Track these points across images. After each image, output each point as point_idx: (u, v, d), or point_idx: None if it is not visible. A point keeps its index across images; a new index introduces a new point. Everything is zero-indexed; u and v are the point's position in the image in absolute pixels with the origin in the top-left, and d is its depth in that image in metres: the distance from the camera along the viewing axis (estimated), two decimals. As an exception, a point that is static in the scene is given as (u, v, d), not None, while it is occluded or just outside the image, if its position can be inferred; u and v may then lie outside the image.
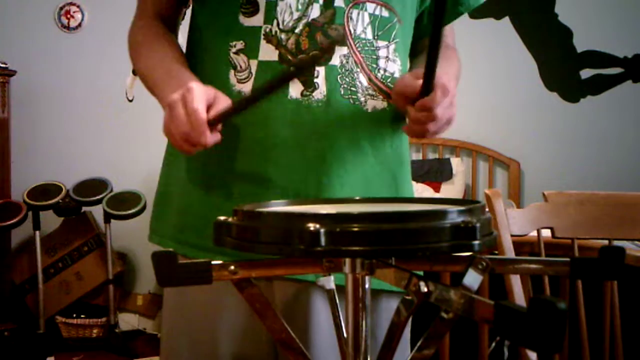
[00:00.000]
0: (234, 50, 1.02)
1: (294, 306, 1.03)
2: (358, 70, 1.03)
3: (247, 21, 1.02)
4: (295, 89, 1.00)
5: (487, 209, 0.98)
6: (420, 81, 0.93)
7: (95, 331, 3.35)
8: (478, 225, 0.61)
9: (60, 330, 3.34)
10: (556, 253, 1.46)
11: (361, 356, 0.69)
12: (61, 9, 3.78)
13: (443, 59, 1.12)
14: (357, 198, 0.90)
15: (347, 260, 0.69)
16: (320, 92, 1.01)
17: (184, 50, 1.13)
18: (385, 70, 1.06)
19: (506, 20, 3.76)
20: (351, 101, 1.02)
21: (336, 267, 0.72)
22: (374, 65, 1.04)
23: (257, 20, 1.02)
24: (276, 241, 0.63)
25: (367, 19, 1.04)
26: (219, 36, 1.04)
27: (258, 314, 0.73)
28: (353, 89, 1.03)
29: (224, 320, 1.04)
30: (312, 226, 0.60)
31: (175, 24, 1.16)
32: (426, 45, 1.18)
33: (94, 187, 3.38)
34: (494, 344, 1.96)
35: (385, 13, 1.06)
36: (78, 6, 3.79)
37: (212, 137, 0.91)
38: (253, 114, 1.00)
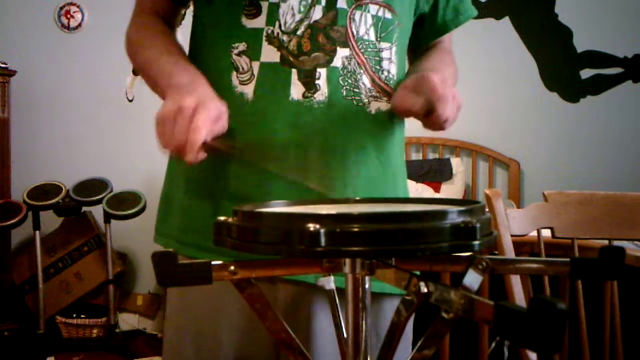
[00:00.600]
0: (236, 51, 1.02)
1: (297, 308, 1.03)
2: (361, 71, 1.03)
3: (249, 23, 1.02)
4: (296, 91, 1.00)
5: (487, 209, 0.98)
6: (420, 99, 0.94)
7: (95, 331, 3.35)
8: (478, 225, 0.61)
9: (60, 330, 3.34)
10: (556, 253, 1.46)
11: (361, 356, 0.69)
12: (61, 9, 3.78)
13: (441, 62, 1.13)
14: (357, 198, 0.90)
15: (347, 261, 0.69)
16: (321, 94, 1.01)
17: (186, 51, 1.13)
18: (388, 72, 1.06)
19: (506, 20, 3.76)
20: (354, 102, 1.03)
21: (336, 268, 0.72)
22: (377, 67, 1.05)
23: (260, 22, 1.02)
24: (276, 241, 0.63)
25: (370, 21, 1.04)
26: (221, 38, 1.04)
27: (258, 315, 0.73)
28: (356, 90, 1.03)
29: (228, 321, 1.04)
30: (312, 226, 0.60)
31: (172, 24, 1.16)
32: (427, 50, 1.19)
33: (94, 187, 3.39)
34: (494, 344, 1.96)
35: (388, 15, 1.06)
36: (78, 6, 3.79)
37: (200, 156, 0.89)
38: (254, 116, 1.00)
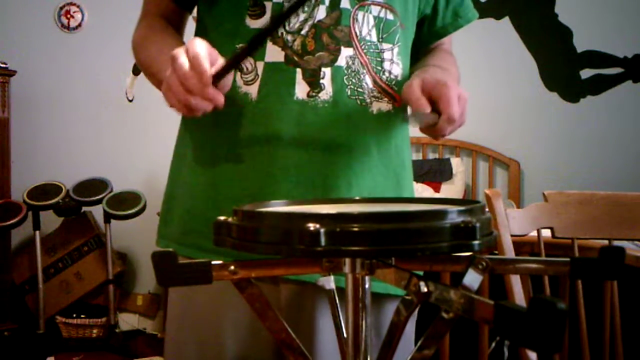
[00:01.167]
0: None
1: (301, 308, 1.03)
2: (364, 71, 1.03)
3: (253, 23, 1.02)
4: (301, 90, 1.00)
5: (487, 209, 0.98)
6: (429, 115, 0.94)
7: (95, 331, 3.35)
8: (478, 225, 0.61)
9: (60, 330, 3.34)
10: (556, 253, 1.46)
11: (361, 356, 0.69)
12: (61, 9, 3.78)
13: (444, 64, 1.13)
14: (357, 198, 0.90)
15: (347, 260, 0.69)
16: (326, 93, 1.01)
17: None
18: (390, 73, 1.06)
19: (506, 20, 3.76)
20: (358, 102, 1.03)
21: (336, 267, 0.72)
22: (379, 68, 1.05)
23: (264, 22, 1.02)
24: (276, 241, 0.63)
25: (372, 22, 1.04)
26: (225, 38, 1.04)
27: (258, 314, 0.73)
28: (360, 89, 1.03)
29: (230, 322, 1.04)
30: (312, 226, 0.60)
31: (179, 29, 1.16)
32: (427, 52, 1.19)
33: (94, 187, 3.39)
34: (494, 344, 1.96)
35: (390, 16, 1.06)
36: (78, 6, 3.79)
37: (215, 93, 0.86)
38: (259, 115, 1.00)
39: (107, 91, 3.70)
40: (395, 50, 1.07)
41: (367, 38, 1.04)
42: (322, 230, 0.59)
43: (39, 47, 3.74)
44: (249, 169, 1.02)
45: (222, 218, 0.69)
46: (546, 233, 1.39)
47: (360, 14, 1.03)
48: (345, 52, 1.02)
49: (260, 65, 1.01)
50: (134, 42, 1.13)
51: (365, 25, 1.04)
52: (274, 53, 1.01)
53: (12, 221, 3.20)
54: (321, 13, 1.02)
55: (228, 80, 0.90)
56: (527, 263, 0.75)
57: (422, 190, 3.47)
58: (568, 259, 0.70)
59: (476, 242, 0.62)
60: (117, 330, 3.38)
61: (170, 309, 1.13)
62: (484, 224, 0.64)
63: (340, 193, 1.01)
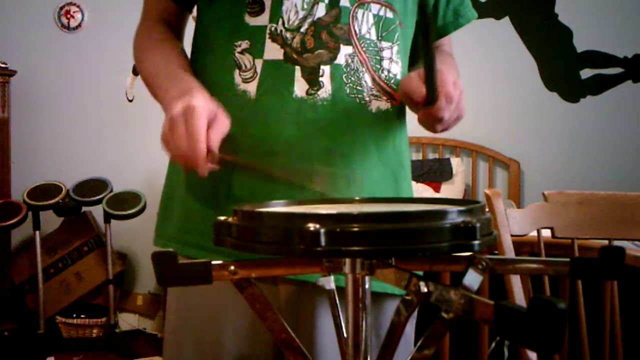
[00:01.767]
0: (239, 49, 1.02)
1: (300, 308, 1.03)
2: (363, 69, 1.03)
3: (252, 21, 1.02)
4: (300, 88, 1.00)
5: (487, 209, 0.98)
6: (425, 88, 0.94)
7: (95, 331, 3.35)
8: (478, 225, 0.61)
9: (60, 330, 3.34)
10: (556, 253, 1.46)
11: (361, 356, 0.69)
12: (61, 9, 3.78)
13: (442, 64, 1.13)
14: (357, 198, 0.90)
15: (347, 260, 0.69)
16: (325, 91, 1.01)
17: (189, 51, 1.13)
18: (388, 71, 1.06)
19: (506, 20, 3.76)
20: (357, 100, 1.02)
21: (336, 267, 0.72)
22: (378, 66, 1.05)
23: (263, 19, 1.02)
24: (276, 241, 0.63)
25: (371, 20, 1.04)
26: (224, 36, 1.04)
27: (258, 314, 0.73)
28: (359, 87, 1.03)
29: (229, 321, 1.04)
30: (312, 226, 0.60)
31: (179, 29, 1.16)
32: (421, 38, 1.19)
33: (94, 187, 3.39)
34: (494, 344, 1.96)
35: (390, 14, 1.06)
36: (78, 6, 3.79)
37: (209, 166, 0.89)
38: (257, 113, 1.00)
39: (107, 91, 3.70)
40: (395, 48, 1.07)
41: (367, 36, 1.04)
42: (322, 230, 0.59)
43: (39, 47, 3.74)
44: (246, 167, 1.02)
45: (222, 218, 0.69)
46: (546, 233, 1.39)
47: (359, 12, 1.03)
48: (345, 50, 1.02)
49: (259, 63, 1.01)
50: (135, 49, 1.13)
51: (364, 24, 1.03)
52: (273, 51, 1.01)
53: (12, 221, 3.20)
54: (321, 11, 1.02)
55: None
56: (527, 263, 0.75)
57: (422, 190, 3.46)
58: (568, 259, 0.70)
59: (476, 242, 0.62)
60: (117, 330, 3.38)
61: (168, 308, 1.13)
62: (484, 224, 0.64)
63: (340, 192, 1.01)
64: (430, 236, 0.61)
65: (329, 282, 0.79)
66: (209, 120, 0.89)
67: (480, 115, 3.61)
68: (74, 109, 3.77)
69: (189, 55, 1.12)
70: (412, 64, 1.15)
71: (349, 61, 1.02)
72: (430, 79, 0.90)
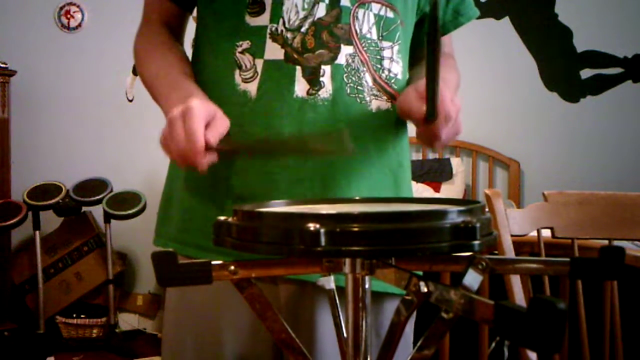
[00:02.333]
0: (239, 49, 1.02)
1: (300, 308, 1.03)
2: (364, 69, 1.03)
3: (253, 21, 1.02)
4: (300, 88, 1.00)
5: (487, 209, 0.98)
6: (424, 106, 0.93)
7: (95, 331, 3.35)
8: (478, 225, 0.61)
9: (60, 330, 3.34)
10: (556, 253, 1.46)
11: (361, 356, 0.69)
12: (61, 9, 3.78)
13: (443, 67, 1.12)
14: (357, 198, 0.90)
15: (347, 260, 0.69)
16: (326, 91, 1.01)
17: (189, 51, 1.13)
18: (389, 71, 1.06)
19: (506, 20, 3.76)
20: (358, 100, 1.02)
21: (336, 267, 0.72)
22: (379, 66, 1.05)
23: (263, 19, 1.02)
24: (276, 241, 0.63)
25: (372, 19, 1.04)
26: (225, 36, 1.04)
27: (258, 314, 0.73)
28: (360, 87, 1.03)
29: (228, 321, 1.04)
30: (312, 226, 0.60)
31: (180, 30, 1.16)
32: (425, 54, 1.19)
33: (94, 187, 3.39)
34: (494, 344, 1.96)
35: (390, 14, 1.06)
36: (78, 6, 3.79)
37: (207, 159, 0.89)
38: (258, 113, 1.00)
39: (107, 91, 3.70)
40: (395, 48, 1.07)
41: (367, 36, 1.04)
42: (322, 230, 0.59)
43: (39, 47, 3.74)
44: (246, 166, 1.02)
45: (222, 218, 0.69)
46: (546, 233, 1.39)
47: (360, 12, 1.03)
48: (345, 50, 1.02)
49: (259, 63, 1.01)
50: (136, 52, 1.13)
51: (365, 23, 1.03)
52: (273, 51, 1.01)
53: (12, 221, 3.20)
54: (321, 11, 1.02)
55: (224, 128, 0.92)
56: (527, 263, 0.75)
57: (422, 190, 3.46)
58: (568, 259, 0.70)
59: (476, 242, 0.62)
60: (117, 330, 3.38)
61: (167, 306, 1.13)
62: (484, 224, 0.64)
63: (340, 191, 1.01)
64: (430, 236, 0.61)
65: (329, 282, 0.79)
66: (207, 120, 0.89)
67: (480, 115, 3.61)
68: (74, 109, 3.76)
69: (189, 55, 1.12)
70: (412, 64, 1.15)
71: (350, 61, 1.02)
72: (432, 100, 0.90)
